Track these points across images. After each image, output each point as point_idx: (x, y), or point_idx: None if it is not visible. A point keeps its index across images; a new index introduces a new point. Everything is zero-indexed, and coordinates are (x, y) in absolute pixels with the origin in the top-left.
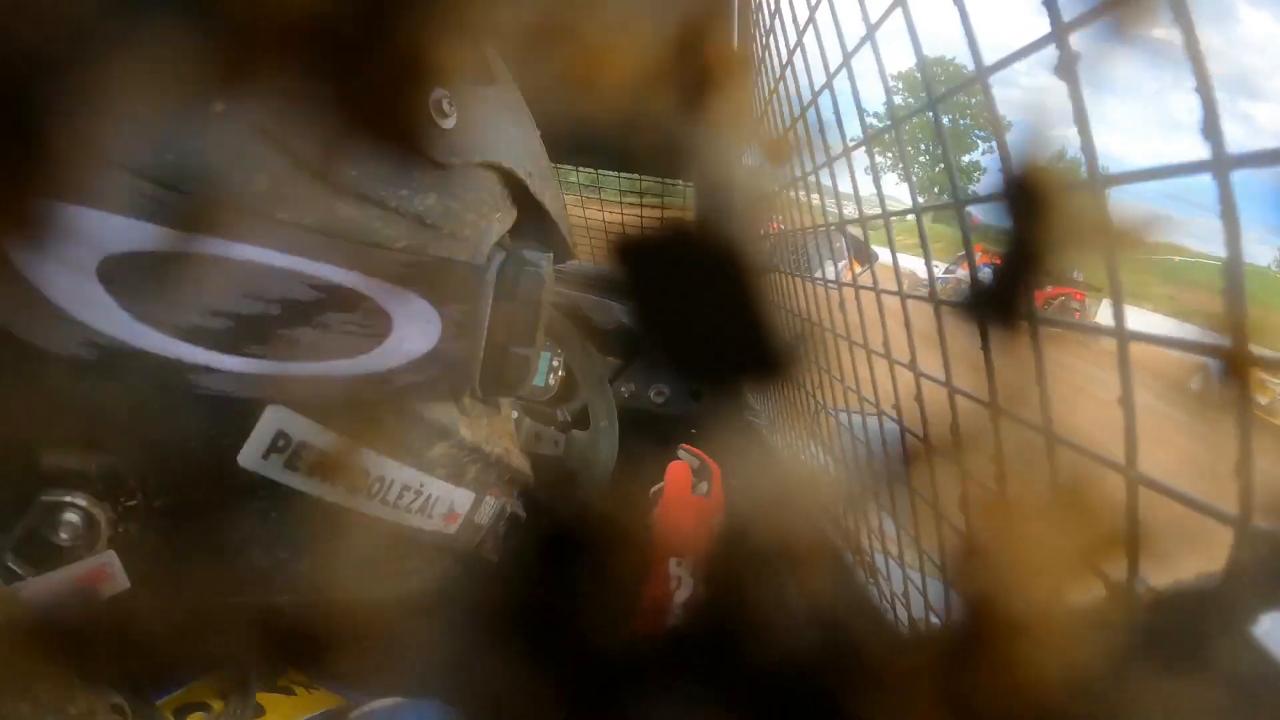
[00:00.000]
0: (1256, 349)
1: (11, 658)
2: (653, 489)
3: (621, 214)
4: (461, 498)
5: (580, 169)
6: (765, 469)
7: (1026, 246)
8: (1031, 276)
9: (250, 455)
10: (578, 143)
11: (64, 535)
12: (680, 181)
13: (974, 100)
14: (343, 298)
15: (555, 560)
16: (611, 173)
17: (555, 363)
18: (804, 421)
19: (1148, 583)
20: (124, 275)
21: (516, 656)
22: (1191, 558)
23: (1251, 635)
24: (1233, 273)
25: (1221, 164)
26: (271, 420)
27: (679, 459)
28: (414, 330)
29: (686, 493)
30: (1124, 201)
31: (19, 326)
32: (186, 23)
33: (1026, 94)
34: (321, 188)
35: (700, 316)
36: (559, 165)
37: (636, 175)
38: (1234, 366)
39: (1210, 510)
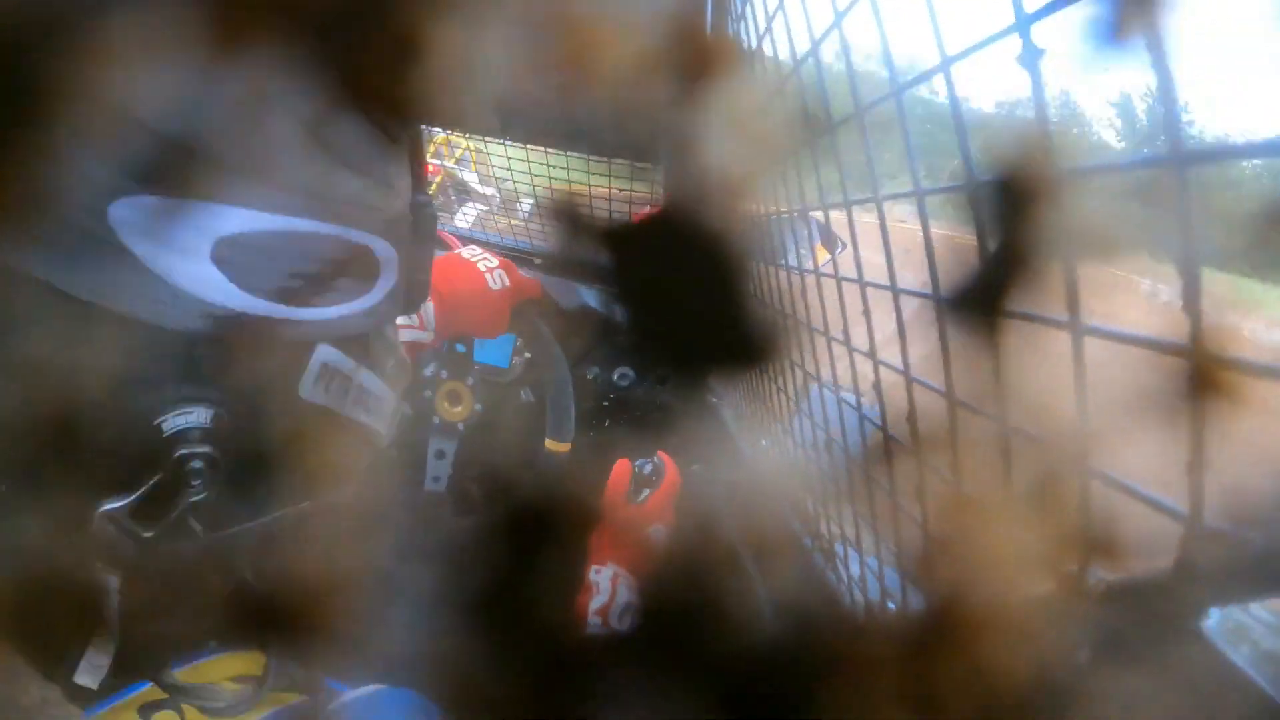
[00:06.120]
0: (1212, 348)
1: None
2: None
3: (589, 196)
4: (394, 399)
5: (549, 150)
6: (727, 454)
7: (986, 238)
8: (992, 268)
9: (307, 387)
10: (556, 127)
11: (195, 483)
12: (648, 164)
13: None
14: (361, 252)
15: (514, 545)
16: (582, 155)
17: (519, 343)
18: (768, 407)
19: (1099, 576)
20: (231, 254)
21: (481, 646)
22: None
23: (1199, 630)
24: (1189, 270)
25: (1179, 160)
26: (319, 355)
27: (626, 460)
28: (389, 270)
29: (617, 499)
30: (1089, 197)
31: (145, 311)
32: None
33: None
34: (347, 172)
35: (668, 300)
36: (529, 146)
37: (607, 159)
38: (1189, 365)
39: (1161, 506)
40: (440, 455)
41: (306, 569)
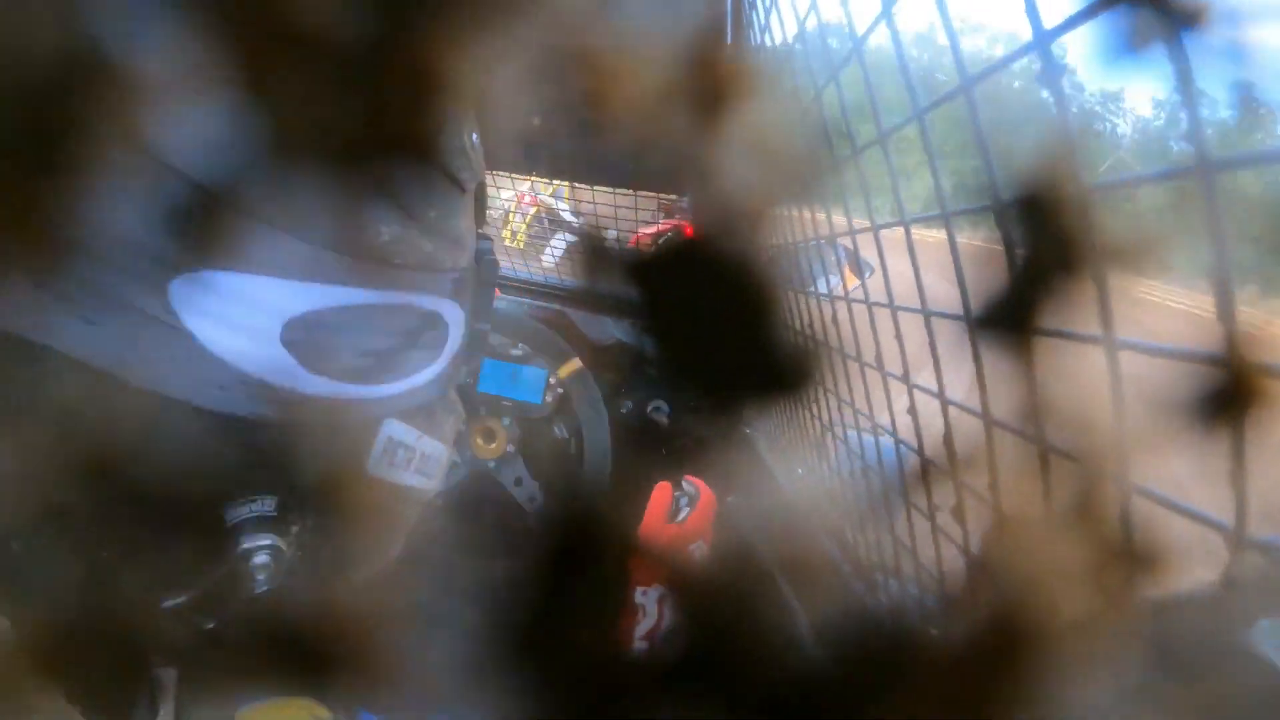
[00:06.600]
0: (1249, 358)
1: (11, 686)
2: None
3: (617, 227)
4: (447, 456)
5: (576, 185)
6: (763, 483)
7: (1016, 256)
8: (1023, 286)
9: (375, 463)
10: (581, 161)
11: (259, 577)
12: (677, 196)
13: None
14: (431, 319)
15: (558, 572)
16: (609, 189)
17: (552, 380)
18: (803, 435)
19: (1145, 592)
20: (301, 335)
21: (530, 677)
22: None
23: (1248, 642)
24: (1221, 279)
25: (1206, 167)
26: (385, 431)
27: (667, 483)
28: (456, 331)
29: (658, 520)
30: (1118, 212)
31: (206, 399)
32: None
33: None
34: (419, 232)
35: (700, 332)
36: (554, 181)
37: (634, 192)
38: (1226, 376)
39: (1205, 520)
40: (518, 482)
41: (359, 615)
